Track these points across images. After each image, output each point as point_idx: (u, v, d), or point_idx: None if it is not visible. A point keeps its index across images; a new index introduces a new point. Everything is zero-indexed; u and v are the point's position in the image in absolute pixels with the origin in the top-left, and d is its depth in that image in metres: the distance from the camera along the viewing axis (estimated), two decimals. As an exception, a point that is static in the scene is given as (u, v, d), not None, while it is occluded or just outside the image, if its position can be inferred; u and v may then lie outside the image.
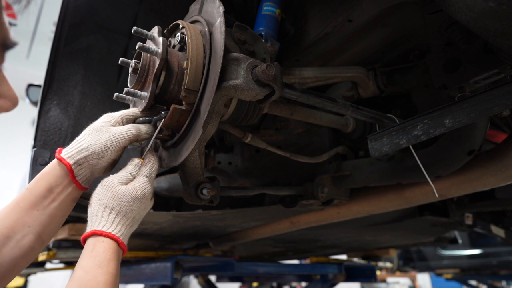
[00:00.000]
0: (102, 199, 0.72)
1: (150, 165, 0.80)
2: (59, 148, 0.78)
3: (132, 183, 0.76)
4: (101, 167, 0.78)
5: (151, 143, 0.81)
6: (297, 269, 2.91)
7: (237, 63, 0.76)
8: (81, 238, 0.70)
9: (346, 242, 2.88)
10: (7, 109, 0.66)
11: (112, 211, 0.71)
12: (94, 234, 0.68)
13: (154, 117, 0.82)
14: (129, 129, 0.79)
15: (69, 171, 0.75)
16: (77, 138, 0.78)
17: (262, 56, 0.87)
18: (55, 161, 0.77)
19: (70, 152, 0.76)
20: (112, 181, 0.74)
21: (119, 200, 0.72)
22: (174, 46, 0.87)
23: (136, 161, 0.81)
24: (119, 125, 0.81)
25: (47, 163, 1.22)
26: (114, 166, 0.83)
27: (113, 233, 0.69)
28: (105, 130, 0.78)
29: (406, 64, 1.21)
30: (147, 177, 0.78)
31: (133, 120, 0.84)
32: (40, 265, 2.89)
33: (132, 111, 0.84)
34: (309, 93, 0.93)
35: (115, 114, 0.82)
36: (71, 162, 0.75)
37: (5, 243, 0.69)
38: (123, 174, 0.77)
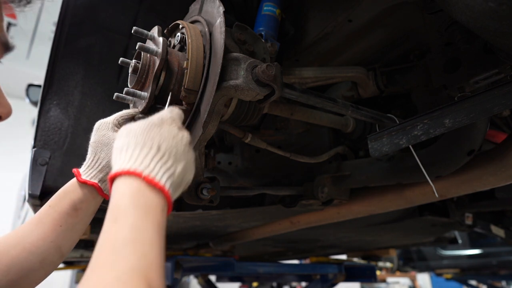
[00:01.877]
0: (117, 144, 0.56)
1: (172, 107, 0.68)
2: (75, 170, 0.79)
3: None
4: None
5: (168, 102, 0.77)
6: (297, 269, 2.91)
7: (237, 63, 0.76)
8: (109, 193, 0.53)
9: (346, 242, 2.89)
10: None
11: (128, 148, 0.53)
12: (110, 179, 0.51)
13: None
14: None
15: (98, 190, 0.76)
16: (90, 157, 0.78)
17: (262, 56, 0.87)
18: (75, 181, 0.77)
19: (91, 172, 0.77)
20: (125, 127, 0.59)
21: (133, 133, 0.55)
22: (174, 46, 0.88)
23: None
24: (120, 127, 0.81)
25: (47, 163, 1.22)
26: None
27: (131, 169, 0.49)
28: (113, 141, 0.77)
29: (406, 64, 1.21)
30: (167, 110, 0.64)
31: (131, 120, 0.83)
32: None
33: (127, 111, 0.84)
34: (309, 93, 0.93)
35: (109, 120, 0.81)
36: (96, 181, 0.76)
37: (27, 257, 0.70)
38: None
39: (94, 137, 0.80)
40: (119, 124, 0.81)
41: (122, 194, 0.48)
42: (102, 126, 0.80)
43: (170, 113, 0.62)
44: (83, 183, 0.76)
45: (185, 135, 0.60)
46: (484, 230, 2.65)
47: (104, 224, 0.46)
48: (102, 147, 0.78)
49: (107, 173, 0.76)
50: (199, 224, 1.81)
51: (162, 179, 0.51)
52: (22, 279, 0.69)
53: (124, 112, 0.84)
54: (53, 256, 0.73)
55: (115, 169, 0.51)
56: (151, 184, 0.49)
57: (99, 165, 0.77)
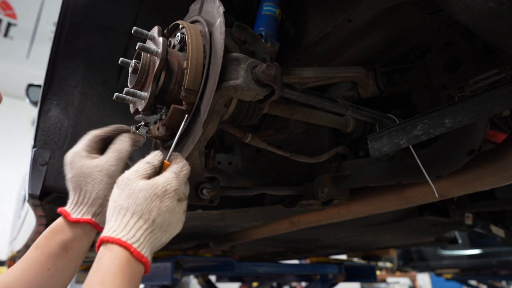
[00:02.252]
0: (118, 200, 0.60)
1: (181, 164, 0.68)
2: (61, 209, 0.73)
3: (155, 178, 0.63)
4: None
5: (174, 143, 0.73)
6: (297, 269, 2.91)
7: (237, 63, 0.76)
8: (96, 248, 0.59)
9: (346, 242, 2.88)
10: None
11: (126, 212, 0.58)
12: (102, 241, 0.57)
13: (151, 116, 0.82)
14: (110, 159, 0.75)
15: (94, 226, 0.72)
16: (75, 194, 0.73)
17: (262, 56, 0.87)
18: (63, 221, 0.72)
19: (81, 209, 0.72)
20: (128, 177, 0.62)
21: (135, 198, 0.59)
22: (174, 46, 0.88)
23: (155, 152, 0.69)
24: (95, 152, 0.78)
25: (47, 163, 1.22)
26: None
27: (123, 239, 0.56)
28: (95, 170, 0.73)
29: (406, 64, 1.21)
30: (174, 173, 0.65)
31: (103, 139, 0.80)
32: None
33: (94, 133, 0.80)
34: (309, 93, 0.93)
35: (80, 149, 0.77)
36: (89, 217, 0.71)
37: None
38: (139, 165, 0.65)
39: (71, 171, 0.75)
40: (93, 149, 0.77)
41: (112, 260, 0.54)
42: (75, 159, 0.75)
43: (176, 180, 0.64)
44: (75, 222, 0.71)
45: (183, 206, 0.65)
46: (484, 230, 2.65)
47: (89, 282, 0.52)
48: (85, 180, 0.73)
49: (100, 205, 0.72)
50: (199, 224, 1.81)
51: (147, 252, 0.58)
52: None
53: (92, 135, 0.79)
54: None
55: (110, 232, 0.56)
56: (138, 257, 0.56)
57: (88, 199, 0.72)
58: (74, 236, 0.71)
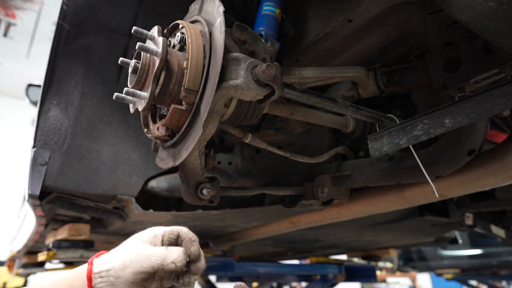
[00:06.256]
0: None
1: None
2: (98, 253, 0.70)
3: None
4: None
5: None
6: (297, 269, 2.91)
7: (237, 63, 0.76)
8: None
9: (346, 242, 2.89)
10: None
11: None
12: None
13: None
14: (155, 254, 0.65)
15: (87, 278, 0.65)
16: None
17: (262, 56, 0.87)
18: (85, 265, 0.67)
19: (100, 260, 0.67)
20: None
21: None
22: (174, 46, 0.87)
23: None
24: (159, 244, 0.68)
25: (46, 163, 1.22)
26: None
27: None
28: (134, 246, 0.67)
29: (406, 64, 1.21)
30: None
31: (176, 240, 0.70)
32: (40, 265, 2.89)
33: (177, 229, 0.71)
34: (309, 93, 0.93)
35: (158, 232, 0.69)
36: (96, 270, 0.65)
37: None
38: None
39: (136, 235, 0.69)
40: (163, 241, 0.69)
41: None
42: (148, 235, 0.69)
43: None
44: (88, 265, 0.66)
45: None
46: (484, 230, 2.65)
47: None
48: (127, 244, 0.68)
49: (107, 270, 0.65)
50: (199, 224, 1.81)
51: None
52: None
53: (175, 230, 0.70)
54: None
55: None
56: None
57: (109, 256, 0.67)
58: (81, 283, 0.65)
